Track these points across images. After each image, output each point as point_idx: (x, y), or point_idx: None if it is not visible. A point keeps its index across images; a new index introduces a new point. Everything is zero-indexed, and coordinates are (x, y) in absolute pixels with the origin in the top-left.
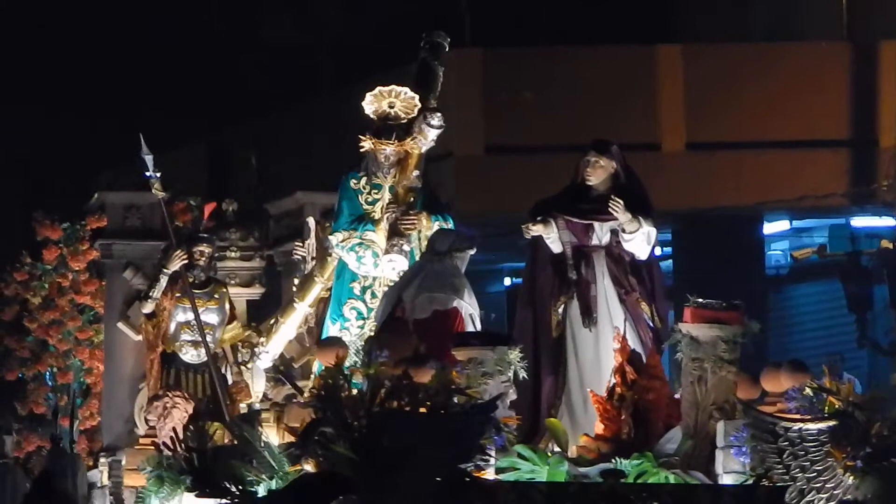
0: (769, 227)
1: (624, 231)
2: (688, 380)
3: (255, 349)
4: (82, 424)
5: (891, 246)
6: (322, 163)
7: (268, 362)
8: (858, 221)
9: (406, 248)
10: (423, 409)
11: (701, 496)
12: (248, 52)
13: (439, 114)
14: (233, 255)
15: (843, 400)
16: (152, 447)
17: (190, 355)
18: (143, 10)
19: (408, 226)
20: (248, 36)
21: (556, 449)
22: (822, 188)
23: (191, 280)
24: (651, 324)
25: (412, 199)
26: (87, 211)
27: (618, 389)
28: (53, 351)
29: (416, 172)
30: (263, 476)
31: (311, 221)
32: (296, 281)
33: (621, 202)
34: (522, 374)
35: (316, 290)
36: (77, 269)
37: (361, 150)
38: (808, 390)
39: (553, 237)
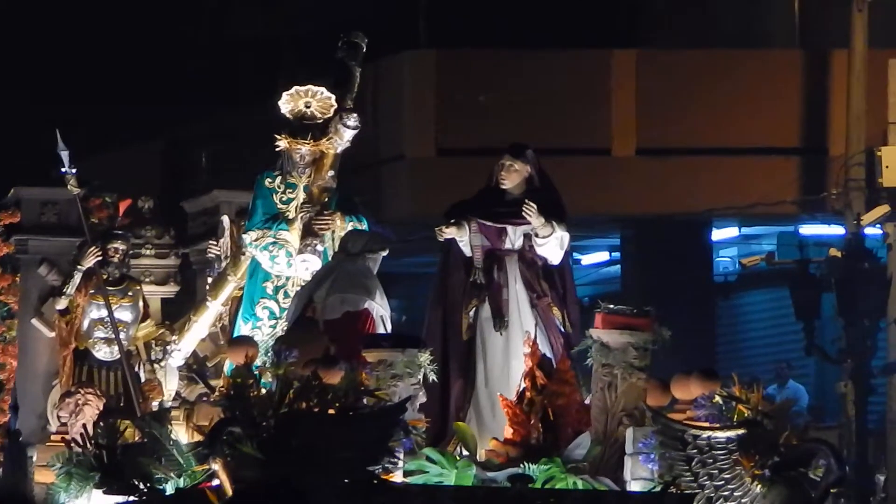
0: (718, 234)
1: (537, 235)
2: (598, 386)
3: (168, 347)
4: None
5: (839, 255)
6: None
7: (180, 360)
8: (807, 229)
9: (319, 248)
10: (331, 411)
11: (609, 502)
12: (206, 47)
13: (355, 114)
14: (148, 252)
15: (751, 409)
16: (63, 444)
17: (103, 352)
18: (102, 5)
19: (322, 226)
20: (208, 31)
21: (465, 452)
22: (771, 196)
23: (105, 277)
24: (562, 329)
25: (327, 199)
26: (2, 206)
27: (527, 394)
28: None
29: (331, 173)
30: (171, 474)
31: (225, 220)
32: (210, 279)
33: (535, 206)
34: (432, 376)
35: (229, 289)
36: None
37: (276, 148)
38: (717, 398)
39: (466, 240)
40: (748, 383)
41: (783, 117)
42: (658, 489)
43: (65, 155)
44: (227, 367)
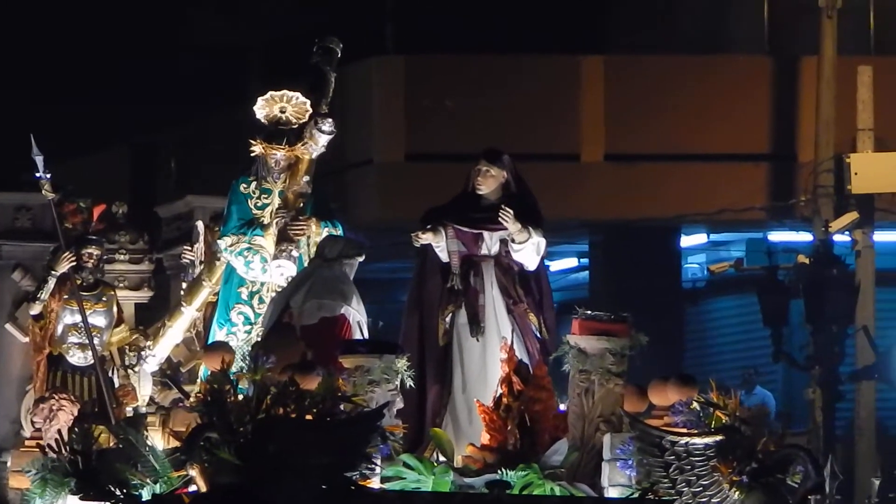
0: (686, 240)
1: (513, 241)
2: (575, 392)
3: (142, 352)
4: None
5: (808, 261)
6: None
7: (154, 366)
8: (776, 236)
9: (295, 253)
10: (308, 416)
11: None
12: (174, 53)
13: (330, 119)
14: (122, 257)
15: (729, 415)
16: (38, 449)
17: (77, 358)
18: (68, 7)
19: (297, 231)
20: (175, 36)
21: (442, 458)
22: (740, 202)
23: (79, 282)
24: (538, 335)
25: (302, 204)
26: None
27: (504, 400)
28: None
29: (306, 178)
30: (148, 480)
31: (200, 225)
32: (184, 285)
33: (511, 212)
34: (409, 382)
35: (204, 294)
36: None
37: (252, 153)
38: (695, 404)
39: (442, 245)
40: (725, 389)
41: (752, 123)
42: (636, 495)
43: (39, 160)
44: (203, 372)
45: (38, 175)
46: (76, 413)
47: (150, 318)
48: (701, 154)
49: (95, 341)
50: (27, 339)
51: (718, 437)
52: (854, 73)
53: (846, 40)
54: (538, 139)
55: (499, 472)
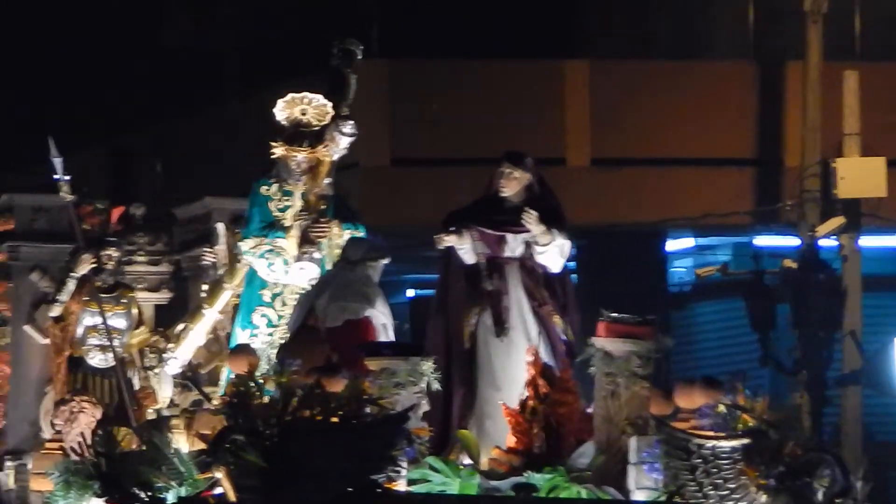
0: (672, 244)
1: (537, 243)
2: (600, 394)
3: (163, 354)
4: None
5: (794, 266)
6: (227, 168)
7: (176, 368)
8: (762, 240)
9: (317, 255)
10: (334, 419)
11: None
12: (150, 55)
13: (352, 121)
14: (141, 259)
15: (756, 418)
16: (58, 451)
17: (97, 360)
18: (45, 11)
19: (319, 234)
20: (152, 38)
21: (467, 461)
22: (726, 206)
23: (98, 284)
24: (564, 337)
25: (323, 206)
26: None
27: (530, 402)
28: None
29: (327, 180)
30: (172, 482)
31: (220, 227)
32: (204, 287)
33: (535, 214)
34: (435, 385)
35: (225, 297)
36: None
37: (273, 156)
38: (721, 407)
39: (466, 248)
40: (753, 393)
41: (738, 128)
42: (662, 498)
43: (57, 162)
44: (225, 374)
45: (56, 177)
46: (97, 415)
47: (169, 320)
48: (687, 158)
49: (115, 343)
50: (46, 341)
51: (745, 441)
52: (840, 77)
53: (832, 45)
54: (524, 143)
55: (525, 474)
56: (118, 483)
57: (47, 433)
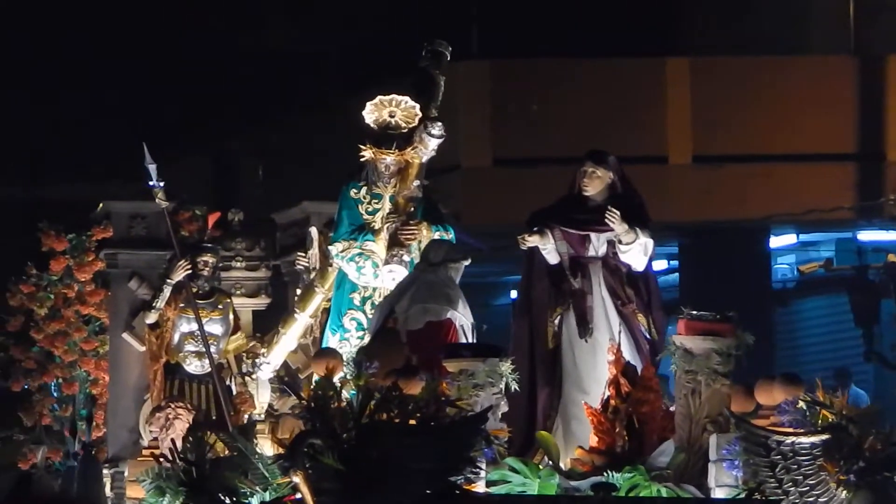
0: (776, 241)
1: (620, 242)
2: (681, 392)
3: (257, 360)
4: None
5: None
6: (330, 172)
7: (269, 373)
8: (865, 235)
9: (406, 258)
10: (412, 421)
11: None
12: (254, 61)
13: (440, 123)
14: (238, 265)
15: (836, 413)
16: (154, 458)
17: (193, 366)
18: (157, 22)
19: (408, 236)
20: (255, 44)
21: (550, 462)
22: (828, 202)
23: (194, 290)
24: (647, 335)
25: (412, 209)
26: (93, 220)
27: (612, 402)
28: (59, 362)
29: (416, 182)
30: (257, 488)
31: (313, 231)
32: (298, 291)
33: (618, 213)
34: (514, 386)
35: (317, 301)
36: (83, 280)
37: (362, 159)
38: (801, 403)
39: (549, 248)
40: (832, 388)
41: (839, 123)
42: (742, 496)
43: (152, 168)
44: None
45: (151, 184)
46: (192, 421)
47: (267, 325)
48: (788, 154)
49: (212, 349)
50: (144, 348)
51: (825, 436)
52: None
53: None
54: (625, 142)
55: (605, 474)
56: (205, 489)
57: (146, 440)
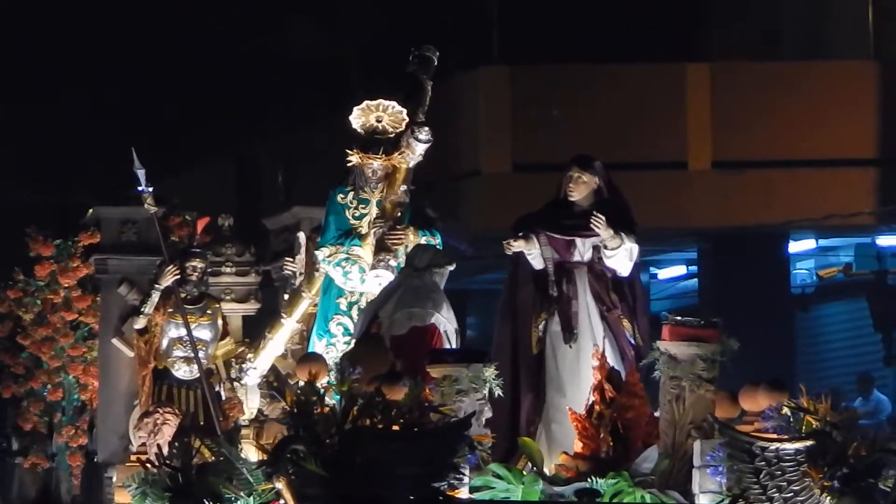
0: (795, 246)
1: (606, 247)
2: (666, 398)
3: (244, 365)
4: (75, 441)
5: None
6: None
7: (256, 378)
8: (885, 240)
9: (393, 263)
10: (396, 427)
11: None
12: (276, 66)
13: (427, 128)
14: (228, 270)
15: (820, 420)
16: (142, 464)
17: (182, 371)
18: (170, 24)
19: (395, 241)
20: (277, 49)
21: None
22: (848, 207)
23: (183, 295)
24: (632, 341)
25: (399, 214)
26: (83, 226)
27: (597, 407)
28: (46, 367)
29: (403, 187)
30: (241, 493)
31: (301, 236)
32: (286, 296)
33: (603, 218)
34: (498, 391)
35: (304, 306)
36: (67, 285)
37: (349, 164)
38: (785, 409)
39: (535, 253)
40: (840, 395)
41: (858, 128)
42: (727, 502)
43: (141, 174)
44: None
45: (140, 189)
46: (178, 426)
47: (258, 331)
48: (808, 160)
49: (200, 355)
50: (133, 354)
51: (809, 443)
52: None
53: None
54: (645, 147)
55: (589, 480)
56: (190, 494)
57: (135, 446)
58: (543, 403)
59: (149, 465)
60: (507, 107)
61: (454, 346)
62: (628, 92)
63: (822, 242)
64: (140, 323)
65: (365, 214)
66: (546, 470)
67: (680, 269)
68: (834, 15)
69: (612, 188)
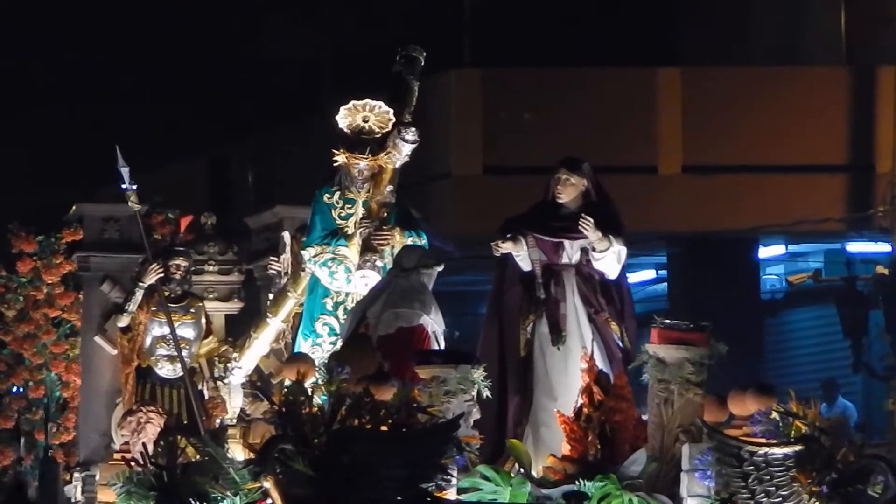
0: (765, 252)
1: (594, 250)
2: (654, 402)
3: (229, 365)
4: (57, 439)
5: (886, 272)
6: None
7: (241, 378)
8: (854, 247)
9: (379, 263)
10: (384, 428)
11: None
12: (249, 66)
13: (414, 128)
14: (211, 268)
15: (809, 424)
16: (126, 462)
17: (165, 370)
18: (147, 18)
19: (381, 241)
20: (250, 49)
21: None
22: (818, 213)
23: (166, 294)
24: (620, 344)
25: (385, 214)
26: (66, 223)
27: (585, 410)
28: (28, 364)
29: (389, 188)
30: (228, 493)
31: (286, 236)
32: (271, 296)
33: (591, 220)
34: (486, 393)
35: (289, 305)
36: (50, 282)
37: (335, 164)
38: (774, 414)
39: (522, 255)
40: (806, 400)
41: (829, 134)
42: None
43: (125, 171)
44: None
45: (123, 186)
46: (164, 426)
47: (240, 330)
48: (779, 165)
49: (184, 353)
50: (116, 352)
51: (798, 447)
52: None
53: None
54: (615, 151)
55: (577, 482)
56: (175, 494)
57: (117, 444)
58: (531, 405)
59: (133, 464)
60: (478, 110)
61: (441, 348)
62: (599, 96)
63: (792, 248)
64: (123, 321)
65: (351, 214)
66: (533, 472)
67: (649, 274)
68: (806, 21)
69: (600, 190)
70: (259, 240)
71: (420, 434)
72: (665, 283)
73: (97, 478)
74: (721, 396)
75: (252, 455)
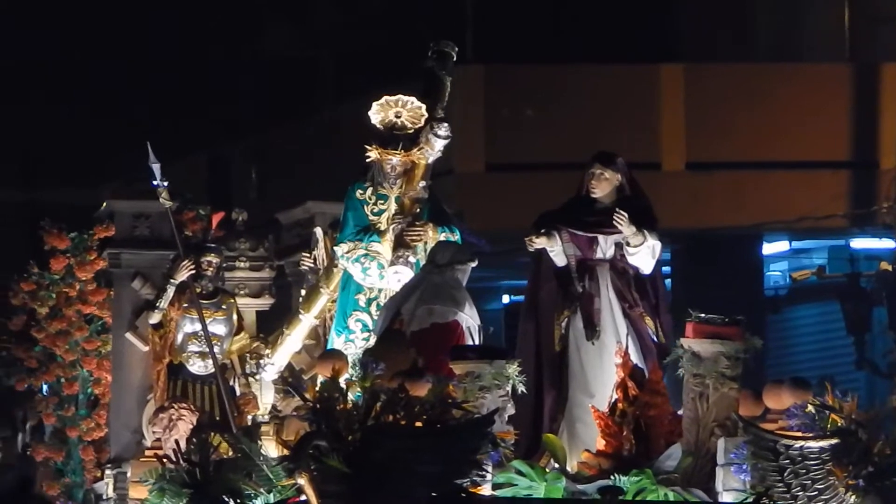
0: (768, 248)
1: (628, 245)
2: (689, 396)
3: (261, 361)
4: (89, 435)
5: (890, 268)
6: (324, 174)
7: (273, 374)
8: (858, 243)
9: (412, 259)
10: (418, 424)
11: None
12: (248, 63)
13: (446, 124)
14: (242, 265)
15: (845, 418)
16: (157, 459)
17: (197, 366)
18: (144, 19)
19: (414, 237)
20: (250, 47)
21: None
22: (821, 209)
23: (198, 290)
24: (655, 339)
25: (418, 210)
26: (96, 219)
27: (619, 405)
28: (60, 361)
29: (422, 183)
30: (261, 489)
31: (318, 232)
32: (303, 292)
33: (626, 215)
34: (521, 388)
35: (322, 302)
36: (84, 279)
37: (367, 160)
38: (810, 408)
39: (557, 250)
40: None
41: (833, 131)
42: (750, 500)
43: (156, 168)
44: (320, 380)
45: (154, 183)
46: (195, 422)
47: (271, 326)
48: (782, 162)
49: (215, 350)
50: (147, 348)
51: (834, 441)
52: None
53: None
54: (618, 148)
55: (612, 477)
56: (208, 490)
57: (149, 441)
58: (566, 401)
59: (165, 461)
60: (480, 106)
61: (476, 343)
62: (602, 92)
63: (796, 245)
64: (155, 318)
65: (384, 210)
66: (568, 467)
67: None
68: (809, 18)
69: (633, 185)
70: (290, 235)
71: (454, 430)
72: (668, 280)
73: (128, 474)
74: (756, 390)
75: (286, 451)
